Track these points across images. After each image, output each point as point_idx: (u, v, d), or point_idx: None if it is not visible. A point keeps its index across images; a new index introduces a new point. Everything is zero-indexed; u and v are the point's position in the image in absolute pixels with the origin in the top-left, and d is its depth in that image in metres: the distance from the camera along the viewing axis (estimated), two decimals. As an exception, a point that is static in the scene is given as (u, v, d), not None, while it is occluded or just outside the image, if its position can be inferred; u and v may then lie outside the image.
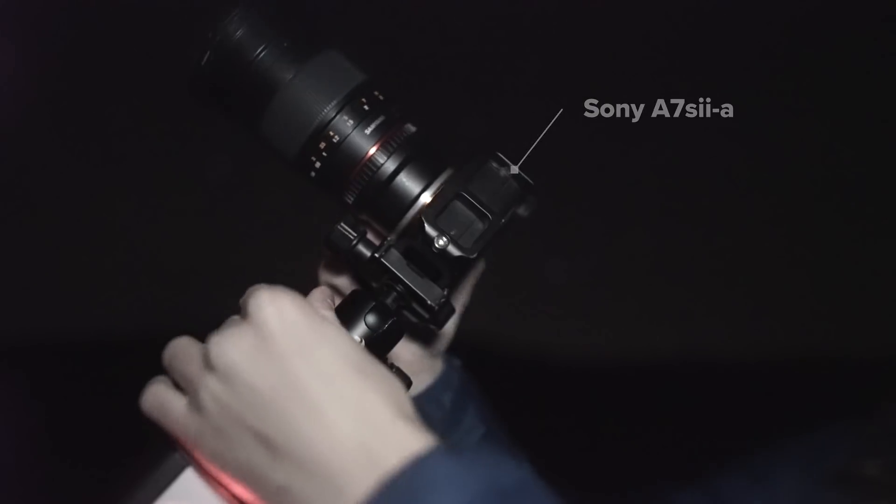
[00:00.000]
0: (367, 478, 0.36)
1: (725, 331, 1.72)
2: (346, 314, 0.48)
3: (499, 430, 0.65)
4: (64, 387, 1.50)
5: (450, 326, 0.61)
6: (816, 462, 0.61)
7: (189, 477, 0.43)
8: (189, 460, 0.43)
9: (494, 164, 0.51)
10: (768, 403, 1.59)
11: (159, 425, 0.43)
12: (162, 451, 0.43)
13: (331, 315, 0.46)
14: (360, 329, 0.48)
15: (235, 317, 0.43)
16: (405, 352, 0.60)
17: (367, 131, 0.51)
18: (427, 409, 0.60)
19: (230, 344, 0.39)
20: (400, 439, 0.37)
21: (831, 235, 1.74)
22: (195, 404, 0.40)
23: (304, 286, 0.56)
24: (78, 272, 1.68)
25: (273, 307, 0.40)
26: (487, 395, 0.65)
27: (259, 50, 0.51)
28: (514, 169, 0.51)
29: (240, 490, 0.40)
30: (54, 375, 1.52)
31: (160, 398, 0.42)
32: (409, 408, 0.39)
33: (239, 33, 0.51)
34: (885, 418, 0.62)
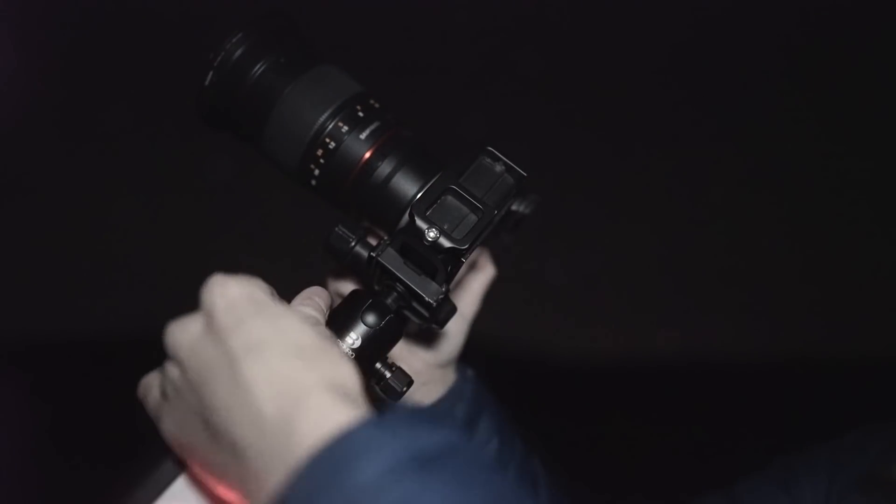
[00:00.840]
0: (289, 456, 0.35)
1: (725, 331, 1.72)
2: (345, 313, 0.48)
3: (514, 440, 0.64)
4: (64, 387, 1.50)
5: (458, 334, 0.61)
6: (844, 467, 0.60)
7: (183, 482, 0.43)
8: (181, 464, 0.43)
9: (488, 160, 0.51)
10: (769, 403, 1.59)
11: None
12: (157, 455, 0.43)
13: (309, 308, 0.46)
14: (359, 328, 0.48)
15: None
16: (415, 360, 0.60)
17: (363, 136, 0.52)
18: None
19: (180, 329, 0.40)
20: (323, 413, 0.35)
21: (831, 236, 1.75)
22: (163, 391, 0.42)
23: (303, 286, 0.56)
24: (78, 272, 1.68)
25: (219, 289, 0.40)
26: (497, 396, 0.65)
27: (257, 67, 0.53)
28: (507, 162, 0.51)
29: (225, 491, 0.40)
30: (55, 375, 1.52)
31: (146, 386, 0.44)
32: (349, 385, 0.38)
33: (238, 53, 0.52)
34: None
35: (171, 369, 0.40)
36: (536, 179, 0.52)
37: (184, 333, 0.40)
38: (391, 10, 1.69)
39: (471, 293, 0.62)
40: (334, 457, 0.34)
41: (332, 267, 0.59)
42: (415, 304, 0.49)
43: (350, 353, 0.48)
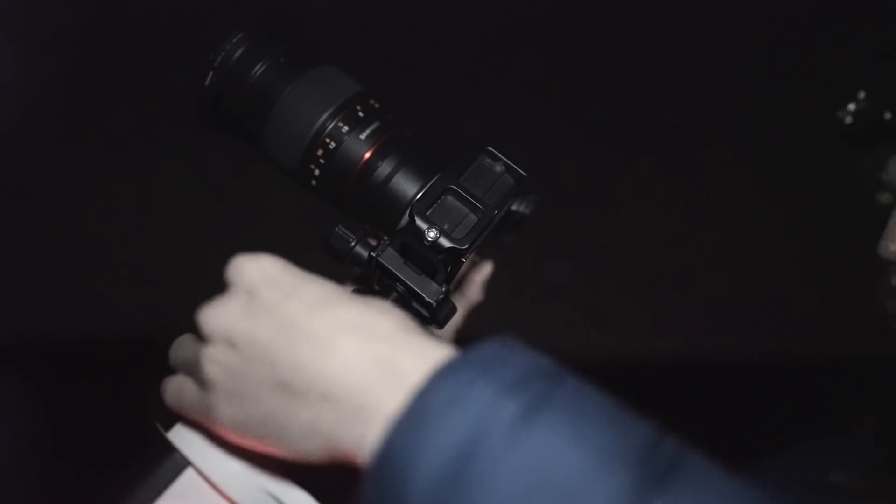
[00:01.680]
0: (394, 391, 0.35)
1: (725, 331, 1.72)
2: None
3: None
4: (64, 387, 1.50)
5: (447, 337, 0.62)
6: (792, 476, 0.63)
7: (189, 477, 0.43)
8: (188, 461, 0.43)
9: (488, 160, 0.51)
10: (768, 403, 1.59)
11: (184, 417, 0.43)
12: (162, 451, 0.43)
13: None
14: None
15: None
16: None
17: (363, 136, 0.52)
18: None
19: (219, 311, 0.40)
20: (415, 348, 0.36)
21: (831, 236, 1.75)
22: (202, 381, 0.40)
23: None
24: (78, 272, 1.68)
25: (252, 265, 0.40)
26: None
27: (257, 67, 0.53)
28: (507, 162, 0.51)
29: (279, 450, 0.39)
30: (54, 375, 1.52)
31: (176, 389, 0.42)
32: (413, 324, 0.38)
33: (238, 53, 0.53)
34: (853, 432, 0.65)
35: (218, 352, 0.39)
36: (536, 179, 0.52)
37: (224, 314, 0.39)
38: (391, 10, 1.69)
39: (473, 283, 0.63)
40: (456, 372, 0.34)
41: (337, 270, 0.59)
42: (415, 304, 0.49)
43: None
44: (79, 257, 1.68)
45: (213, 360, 0.39)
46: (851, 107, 0.69)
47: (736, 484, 0.34)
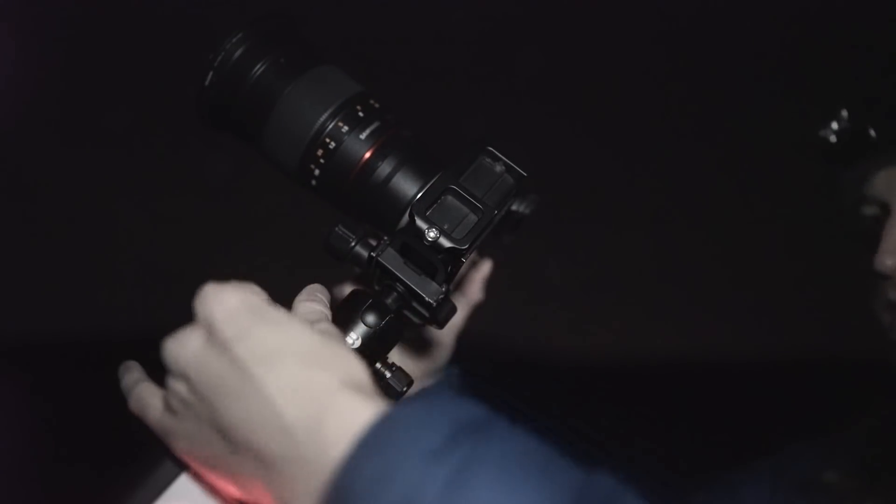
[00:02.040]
0: (324, 458, 0.35)
1: (724, 331, 1.72)
2: (345, 313, 0.48)
3: None
4: (64, 387, 1.50)
5: (449, 344, 0.62)
6: (784, 475, 0.65)
7: (184, 481, 0.43)
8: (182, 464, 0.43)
9: (488, 160, 0.51)
10: (768, 403, 1.59)
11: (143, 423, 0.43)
12: (159, 454, 0.43)
13: (316, 304, 0.46)
14: (359, 328, 0.48)
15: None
16: (411, 366, 0.60)
17: (363, 136, 0.52)
18: None
19: (179, 344, 0.39)
20: (349, 412, 0.36)
21: (830, 237, 1.74)
22: (167, 406, 0.41)
23: (304, 286, 0.56)
24: (78, 272, 1.68)
25: (215, 299, 0.39)
26: (488, 395, 0.65)
27: (257, 67, 0.53)
28: (507, 162, 0.51)
29: (231, 489, 0.40)
30: (54, 375, 1.52)
31: (140, 401, 0.43)
32: (363, 380, 0.38)
33: (238, 53, 0.53)
34: (846, 432, 0.67)
35: (176, 384, 0.40)
36: (536, 179, 0.52)
37: (184, 348, 0.39)
38: (391, 10, 1.69)
39: (473, 283, 0.63)
40: (379, 444, 0.34)
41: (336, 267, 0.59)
42: (415, 304, 0.49)
43: (350, 353, 0.48)
44: (79, 257, 1.68)
45: (172, 389, 0.40)
46: (834, 125, 0.69)
47: None
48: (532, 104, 1.79)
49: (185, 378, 0.39)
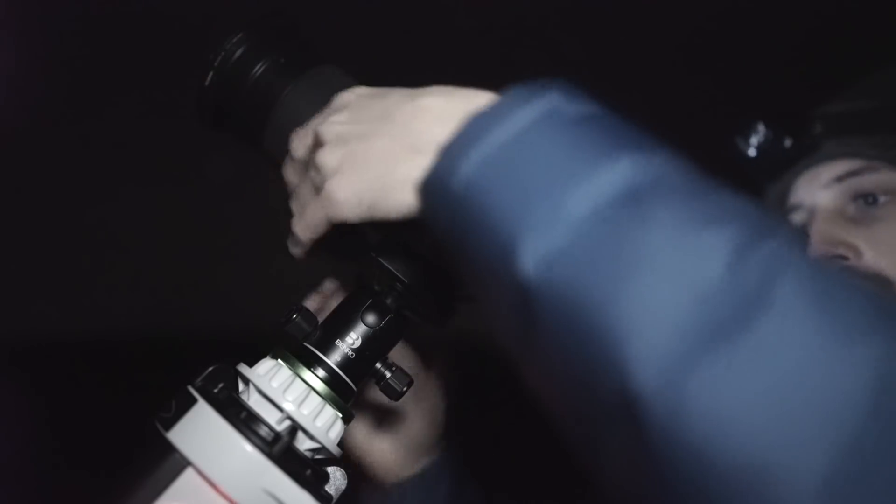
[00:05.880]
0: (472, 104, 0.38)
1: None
2: (345, 313, 0.48)
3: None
4: (64, 387, 1.50)
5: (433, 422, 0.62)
6: None
7: (189, 477, 0.43)
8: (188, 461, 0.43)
9: None
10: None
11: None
12: (162, 451, 0.43)
13: None
14: (359, 328, 0.48)
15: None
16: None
17: None
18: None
19: (329, 122, 0.44)
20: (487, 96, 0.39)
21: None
22: (319, 167, 0.44)
23: (303, 286, 0.56)
24: (78, 272, 1.68)
25: (346, 93, 0.45)
26: (487, 395, 0.65)
27: (257, 67, 0.53)
28: None
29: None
30: (54, 375, 1.53)
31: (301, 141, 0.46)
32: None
33: (238, 53, 0.53)
34: None
35: (327, 148, 0.43)
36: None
37: (333, 122, 0.43)
38: (391, 9, 1.69)
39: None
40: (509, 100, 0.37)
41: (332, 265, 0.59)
42: (415, 304, 0.49)
43: (350, 353, 0.48)
44: (79, 257, 1.68)
45: (323, 155, 0.43)
46: (753, 140, 0.72)
47: None
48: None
49: (341, 139, 0.43)
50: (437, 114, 0.39)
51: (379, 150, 0.41)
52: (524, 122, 0.36)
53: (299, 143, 0.46)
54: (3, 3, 1.51)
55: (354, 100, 0.44)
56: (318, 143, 0.44)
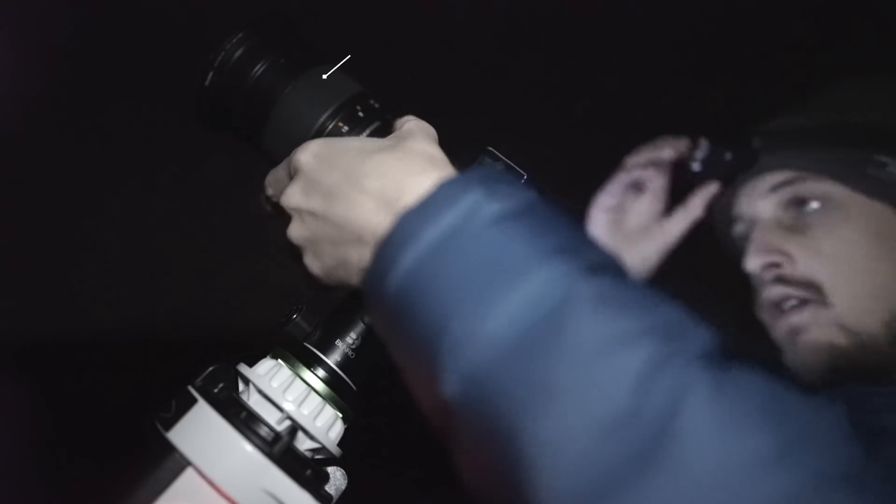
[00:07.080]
0: (398, 205, 0.40)
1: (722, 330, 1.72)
2: (345, 313, 0.48)
3: None
4: (64, 386, 1.50)
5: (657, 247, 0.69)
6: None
7: (189, 477, 0.43)
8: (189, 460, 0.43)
9: (488, 160, 0.51)
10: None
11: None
12: (162, 451, 0.43)
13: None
14: (359, 328, 0.48)
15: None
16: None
17: (363, 136, 0.52)
18: None
19: (287, 193, 0.46)
20: (417, 188, 0.40)
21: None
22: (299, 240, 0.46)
23: (303, 286, 0.56)
24: (78, 272, 1.68)
25: (301, 153, 0.46)
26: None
27: (257, 67, 0.53)
28: (507, 162, 0.51)
29: None
30: (54, 375, 1.52)
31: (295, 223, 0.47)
32: (432, 155, 0.43)
33: (238, 53, 0.53)
34: None
35: (294, 223, 0.45)
36: (536, 179, 0.52)
37: (290, 195, 0.45)
38: (391, 10, 1.69)
39: (696, 198, 0.76)
40: (428, 206, 0.38)
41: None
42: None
43: (350, 353, 0.48)
44: (78, 257, 1.68)
45: (293, 230, 0.46)
46: (698, 154, 0.76)
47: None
48: (533, 104, 1.79)
49: (298, 215, 0.45)
50: (374, 204, 0.40)
51: (330, 236, 0.43)
52: (446, 226, 0.36)
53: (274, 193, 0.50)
54: (3, 3, 1.51)
55: (306, 167, 0.45)
56: (286, 208, 0.46)
